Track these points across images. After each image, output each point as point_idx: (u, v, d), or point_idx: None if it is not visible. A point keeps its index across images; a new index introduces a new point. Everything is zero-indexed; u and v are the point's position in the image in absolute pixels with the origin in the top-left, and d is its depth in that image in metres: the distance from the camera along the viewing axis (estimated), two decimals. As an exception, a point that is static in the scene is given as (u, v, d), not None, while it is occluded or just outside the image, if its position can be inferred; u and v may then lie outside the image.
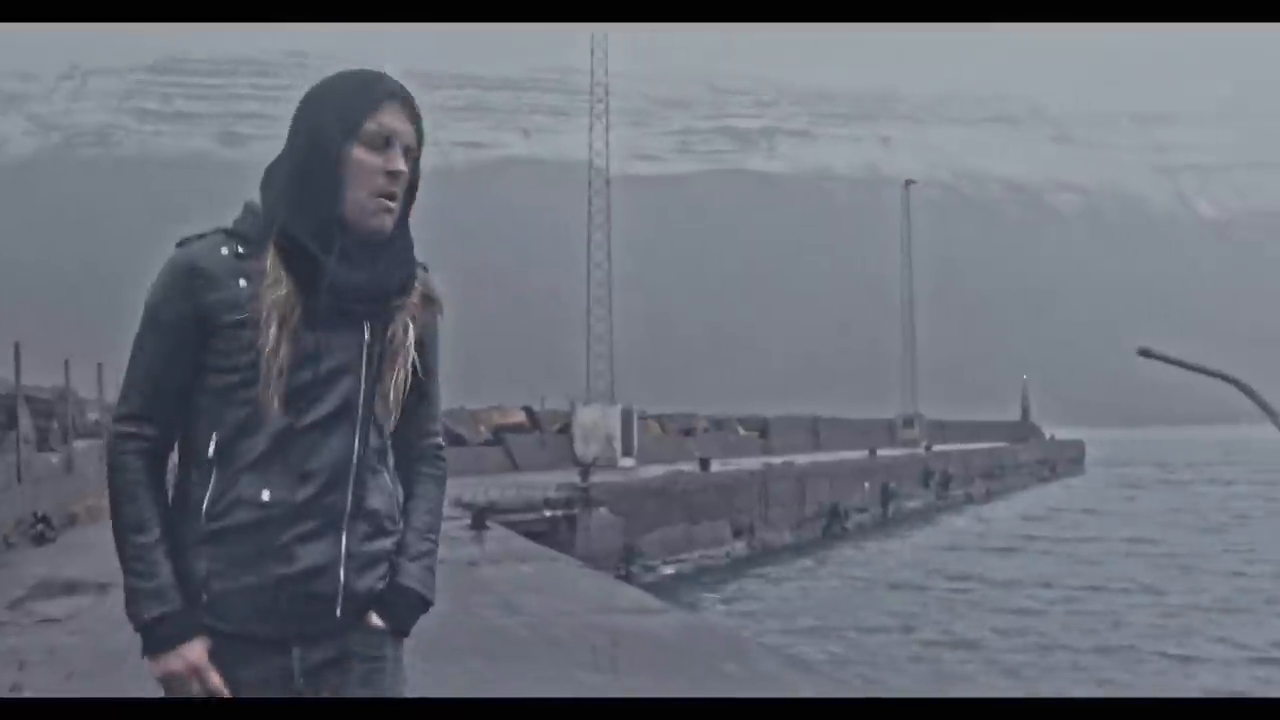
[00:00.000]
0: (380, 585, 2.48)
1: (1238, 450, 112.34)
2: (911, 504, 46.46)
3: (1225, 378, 5.82)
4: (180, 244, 2.50)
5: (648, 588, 21.82)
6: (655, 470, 34.32)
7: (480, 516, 17.20)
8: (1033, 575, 27.47)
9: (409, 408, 2.58)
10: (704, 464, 34.69)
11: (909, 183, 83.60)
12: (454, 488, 13.46)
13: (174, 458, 2.52)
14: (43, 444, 15.86)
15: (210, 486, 2.41)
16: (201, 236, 2.50)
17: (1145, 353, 6.75)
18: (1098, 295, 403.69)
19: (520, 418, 41.50)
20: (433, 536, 2.63)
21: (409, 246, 2.56)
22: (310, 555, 2.40)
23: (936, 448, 62.14)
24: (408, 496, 2.62)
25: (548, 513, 24.18)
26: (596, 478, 28.21)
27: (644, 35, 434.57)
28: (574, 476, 27.65)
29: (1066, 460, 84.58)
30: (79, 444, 19.76)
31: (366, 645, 2.47)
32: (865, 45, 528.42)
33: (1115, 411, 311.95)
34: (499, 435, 38.88)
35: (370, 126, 2.45)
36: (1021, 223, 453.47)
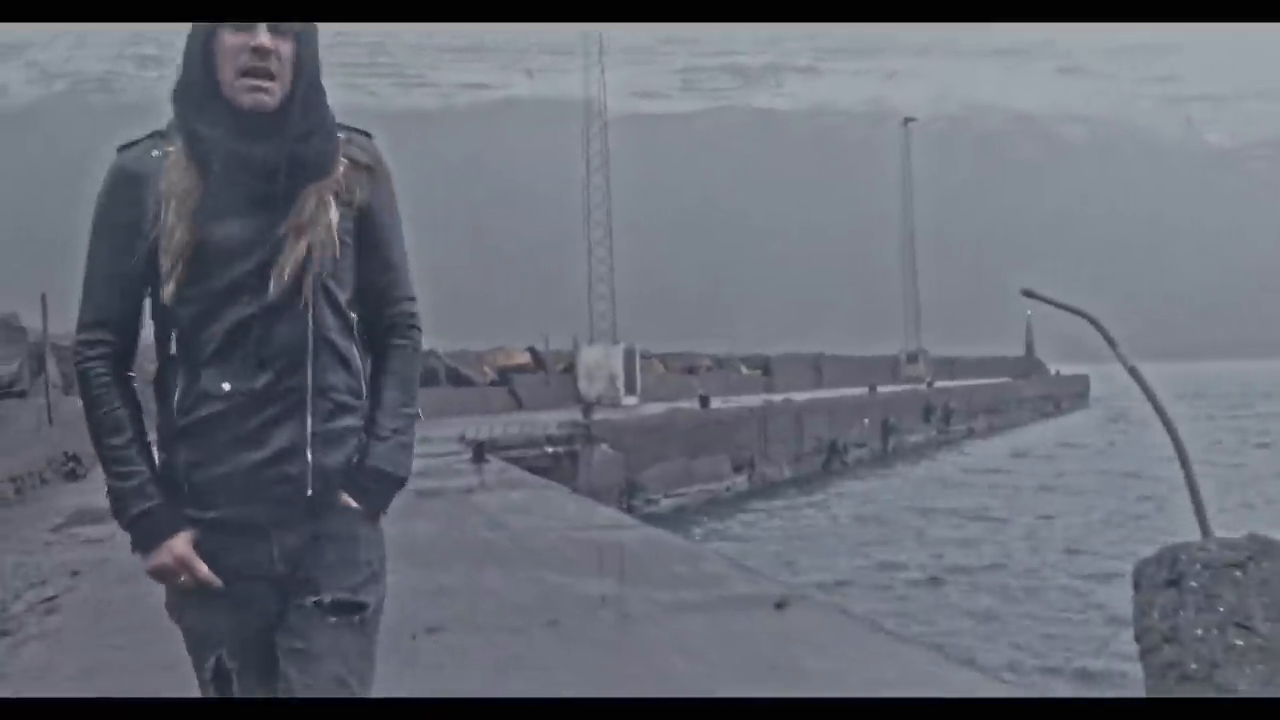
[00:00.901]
0: (349, 461, 2.53)
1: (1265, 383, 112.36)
2: (912, 439, 46.96)
3: (1080, 313, 6.52)
4: (119, 150, 2.58)
5: (647, 520, 22.66)
6: (656, 408, 34.86)
7: (480, 450, 17.88)
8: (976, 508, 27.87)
9: (368, 278, 2.62)
10: (704, 401, 35.21)
11: (908, 120, 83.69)
12: (459, 426, 14.42)
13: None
14: (69, 388, 16.57)
15: (179, 383, 2.49)
16: (136, 142, 2.58)
17: (1027, 293, 7.44)
18: (1106, 228, 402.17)
19: (525, 358, 42.06)
20: (406, 410, 2.64)
21: (317, 120, 2.54)
22: (278, 438, 2.45)
23: (940, 384, 62.56)
24: (376, 372, 2.65)
25: (550, 449, 24.26)
26: (598, 415, 28.74)
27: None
28: (578, 415, 28.01)
29: (1071, 395, 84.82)
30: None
31: (339, 525, 2.53)
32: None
33: (1125, 345, 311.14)
34: (504, 376, 39.46)
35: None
36: (1029, 156, 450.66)
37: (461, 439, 20.86)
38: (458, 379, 36.79)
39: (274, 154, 2.46)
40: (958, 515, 26.28)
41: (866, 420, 43.58)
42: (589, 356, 41.53)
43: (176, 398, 2.48)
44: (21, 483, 13.42)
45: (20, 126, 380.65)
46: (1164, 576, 4.80)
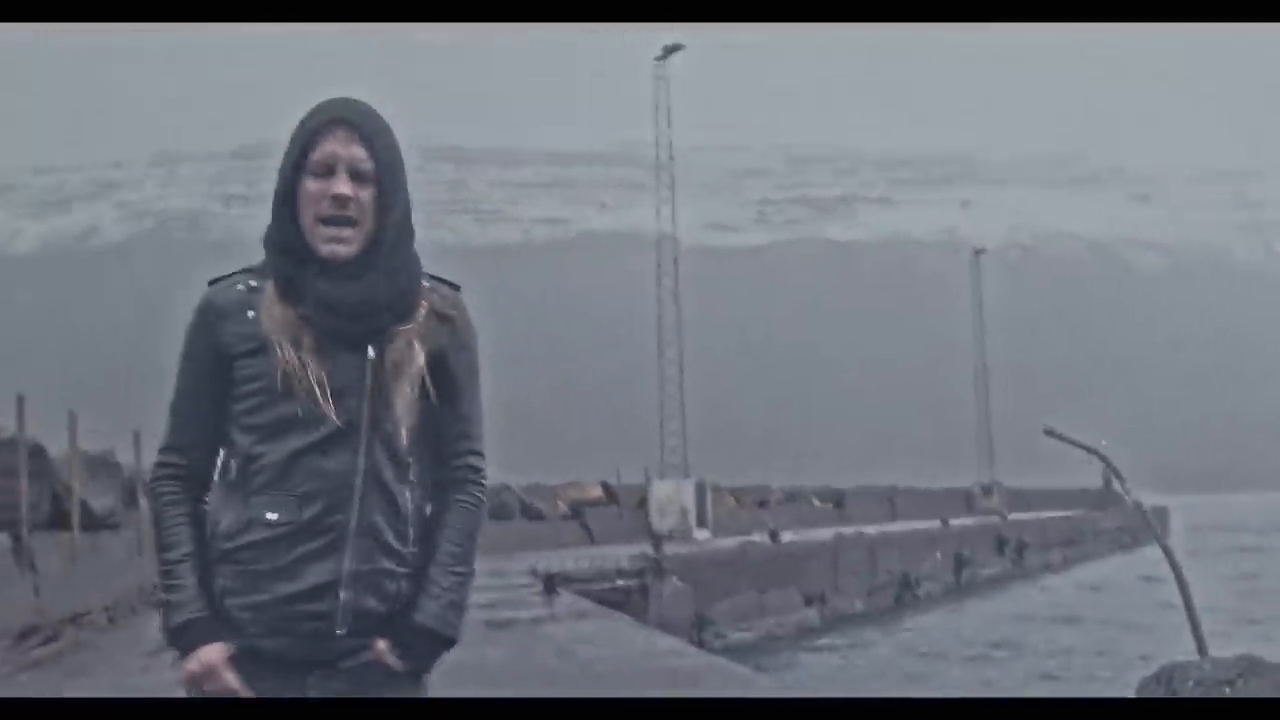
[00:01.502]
0: (384, 607, 2.53)
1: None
2: (986, 572, 46.75)
3: (1094, 451, 7.04)
4: (210, 284, 2.67)
5: (719, 654, 22.95)
6: (728, 542, 35.20)
7: (550, 582, 18.42)
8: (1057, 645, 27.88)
9: (434, 428, 2.64)
10: (774, 535, 35.62)
11: (978, 251, 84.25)
12: (531, 559, 15.00)
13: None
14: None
15: (232, 509, 2.53)
16: (227, 277, 2.67)
17: (1049, 432, 7.95)
18: (1183, 355, 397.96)
19: (597, 493, 42.47)
20: (460, 570, 2.60)
21: (403, 267, 2.61)
22: (313, 573, 2.47)
23: (1014, 516, 62.19)
24: (436, 525, 2.62)
25: (620, 582, 24.72)
26: (669, 549, 29.17)
27: (718, 108, 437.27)
28: (649, 549, 28.36)
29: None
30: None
31: (379, 685, 2.52)
32: (942, 111, 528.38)
33: (1204, 477, 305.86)
34: (577, 510, 39.86)
35: (315, 156, 2.54)
36: (1104, 284, 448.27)
37: (533, 572, 21.34)
38: (531, 513, 37.29)
39: (363, 296, 2.53)
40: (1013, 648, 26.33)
41: (939, 553, 43.57)
42: (661, 491, 41.92)
43: (225, 523, 2.54)
44: (114, 611, 14.12)
45: (111, 264, 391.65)
46: (1160, 692, 5.26)
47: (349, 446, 2.51)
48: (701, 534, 39.87)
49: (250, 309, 2.57)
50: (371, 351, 2.54)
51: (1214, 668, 5.29)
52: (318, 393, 2.49)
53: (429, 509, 2.65)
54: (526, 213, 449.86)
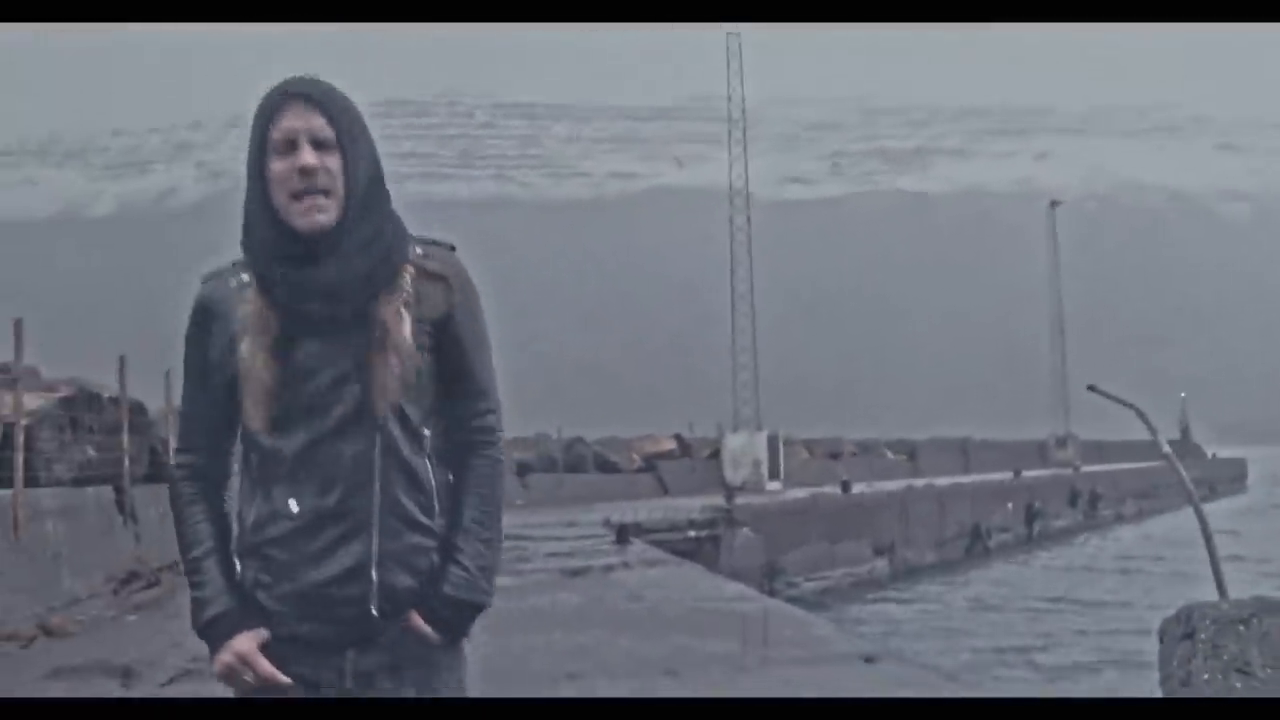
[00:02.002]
0: (417, 582, 2.54)
1: None
2: (1058, 524, 46.77)
3: (1130, 405, 7.43)
4: (202, 280, 2.65)
5: (791, 602, 23.49)
6: (799, 493, 35.62)
7: (623, 532, 18.97)
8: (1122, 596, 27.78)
9: (447, 391, 2.62)
10: (845, 486, 35.89)
11: (1054, 203, 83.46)
12: (606, 511, 15.64)
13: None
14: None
15: (252, 502, 2.55)
16: (218, 272, 2.64)
17: (1091, 388, 8.33)
18: (1266, 305, 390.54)
19: (671, 445, 43.09)
20: (485, 533, 2.59)
21: (377, 234, 2.57)
22: (343, 558, 2.47)
23: (1089, 468, 61.94)
24: (457, 490, 2.62)
25: (692, 533, 24.99)
26: (740, 500, 29.60)
27: (792, 61, 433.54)
28: (721, 500, 28.76)
29: (1227, 479, 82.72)
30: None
31: (419, 658, 2.54)
32: (1019, 60, 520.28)
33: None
34: (650, 462, 40.46)
35: (274, 135, 2.51)
36: (1184, 234, 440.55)
37: (607, 523, 21.86)
38: (605, 465, 37.97)
39: (334, 274, 2.50)
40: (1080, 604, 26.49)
41: (1010, 505, 43.66)
42: (733, 443, 42.40)
43: (251, 518, 2.55)
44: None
45: (190, 223, 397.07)
46: (1181, 631, 5.69)
47: (362, 429, 2.49)
48: (774, 485, 40.30)
49: (242, 307, 2.55)
50: (364, 328, 2.52)
51: (1231, 607, 5.68)
52: (256, 395, 2.49)
53: (450, 476, 2.63)
54: (599, 168, 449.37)
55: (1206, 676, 5.43)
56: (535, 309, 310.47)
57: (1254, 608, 5.65)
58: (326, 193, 2.51)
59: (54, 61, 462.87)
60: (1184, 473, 6.46)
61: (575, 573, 13.35)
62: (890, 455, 56.93)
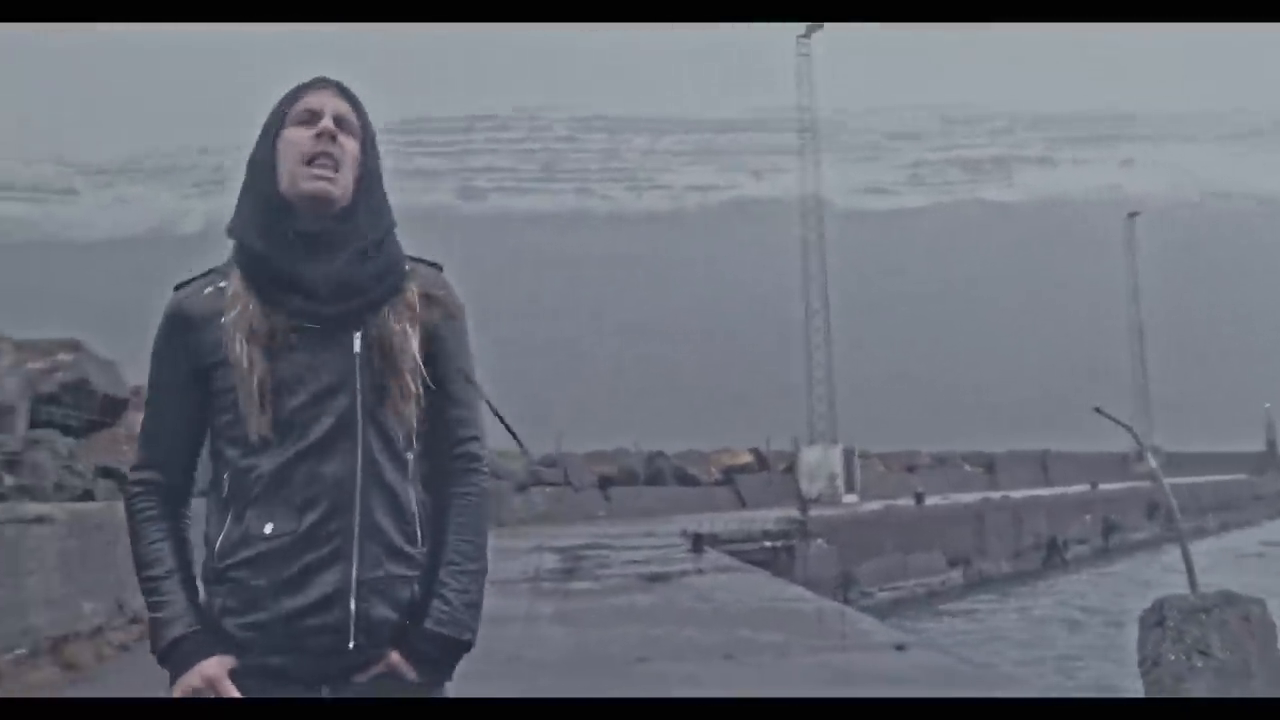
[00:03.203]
0: (397, 614, 2.37)
1: None
2: (1136, 536, 46.98)
3: (1125, 427, 8.48)
4: (176, 288, 2.48)
5: (865, 612, 24.30)
6: (874, 505, 36.38)
7: (698, 541, 20.05)
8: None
9: (430, 419, 2.48)
10: (919, 498, 36.62)
11: (1132, 215, 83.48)
12: (683, 522, 16.83)
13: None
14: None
15: (224, 525, 2.36)
16: (190, 280, 2.48)
17: (1098, 410, 9.37)
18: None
19: (748, 458, 43.90)
20: (470, 567, 2.45)
21: (386, 238, 2.46)
22: (320, 585, 2.30)
23: (1170, 481, 61.74)
24: (440, 522, 2.48)
25: (767, 543, 25.78)
26: (814, 512, 30.44)
27: (870, 69, 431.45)
28: (795, 511, 29.59)
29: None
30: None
31: (397, 692, 2.36)
32: (1099, 65, 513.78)
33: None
34: (728, 475, 41.40)
35: (296, 109, 2.43)
36: (1274, 239, 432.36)
37: (683, 533, 22.89)
38: (684, 478, 38.96)
39: (338, 275, 2.38)
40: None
41: (1088, 517, 44.09)
42: (809, 456, 43.27)
43: (219, 540, 2.36)
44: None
45: None
46: (1154, 619, 6.73)
47: (344, 447, 2.35)
48: (849, 498, 41.09)
49: (222, 314, 2.38)
50: (358, 342, 2.38)
51: (1196, 599, 6.70)
52: (255, 398, 2.33)
53: (430, 504, 2.51)
54: (678, 180, 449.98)
55: (1173, 657, 6.46)
56: (616, 322, 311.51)
57: (1216, 600, 6.67)
58: (339, 168, 2.41)
59: (143, 83, 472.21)
60: (1167, 487, 7.50)
61: (651, 578, 14.46)
62: (967, 468, 57.25)
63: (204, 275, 2.48)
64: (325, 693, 2.34)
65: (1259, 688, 6.35)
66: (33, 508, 9.16)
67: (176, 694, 2.33)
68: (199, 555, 2.47)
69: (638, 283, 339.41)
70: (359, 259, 2.41)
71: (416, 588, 2.42)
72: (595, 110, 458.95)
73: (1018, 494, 43.31)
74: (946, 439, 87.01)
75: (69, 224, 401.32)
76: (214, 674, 2.31)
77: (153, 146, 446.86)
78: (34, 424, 10.76)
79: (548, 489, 33.98)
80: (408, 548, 2.41)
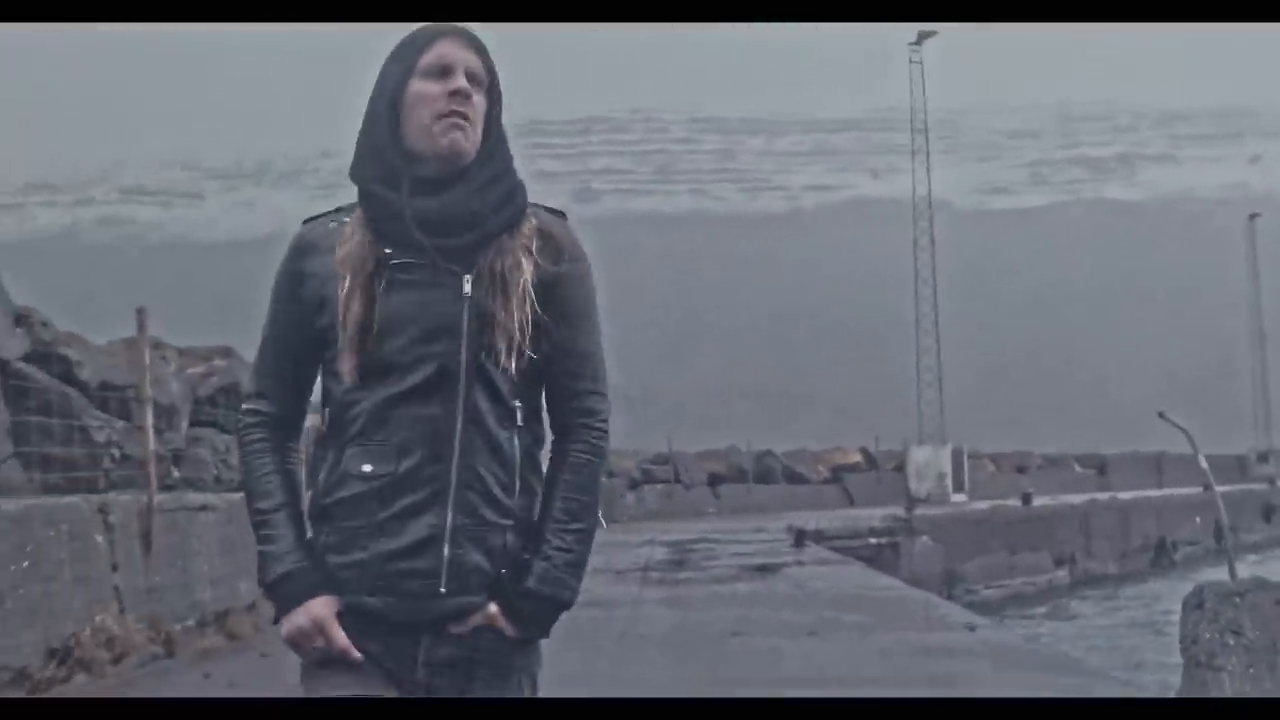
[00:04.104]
0: (489, 561, 2.35)
1: None
2: (1250, 538, 46.52)
3: (1183, 429, 9.29)
4: (303, 222, 2.51)
5: (969, 609, 24.85)
6: (981, 505, 36.59)
7: (800, 536, 20.86)
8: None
9: (546, 367, 2.42)
10: (1026, 499, 36.60)
11: (1253, 216, 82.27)
12: (791, 519, 17.71)
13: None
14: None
15: (324, 461, 2.38)
16: (319, 216, 2.50)
17: (1161, 415, 10.11)
18: None
19: (857, 458, 44.43)
20: (575, 525, 2.41)
21: (503, 178, 2.43)
22: (414, 529, 2.29)
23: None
24: (550, 477, 2.45)
25: (872, 540, 25.94)
26: (920, 510, 30.97)
27: (991, 67, 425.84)
28: (900, 510, 29.98)
29: None
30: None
31: (495, 653, 2.36)
32: (1222, 61, 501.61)
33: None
34: (837, 474, 42.06)
35: (426, 59, 2.39)
36: None
37: (789, 529, 23.70)
38: (793, 477, 39.67)
39: (463, 200, 2.36)
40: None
41: (1199, 519, 43.76)
42: (918, 456, 43.46)
43: (322, 477, 2.39)
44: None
45: None
46: (1194, 602, 7.50)
47: (446, 393, 2.32)
48: (958, 498, 41.07)
49: (342, 245, 2.39)
50: (468, 285, 2.35)
51: (1233, 585, 7.46)
52: (352, 338, 2.32)
53: (544, 457, 2.50)
54: (794, 181, 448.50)
55: (1208, 636, 7.22)
56: (730, 323, 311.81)
57: (1250, 585, 7.44)
58: (471, 123, 2.40)
59: (265, 88, 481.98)
60: (1213, 483, 8.22)
61: (754, 568, 15.39)
62: (1079, 469, 56.88)
63: (331, 212, 2.51)
64: (424, 644, 2.35)
65: (1285, 664, 7.11)
66: (196, 497, 10.36)
67: (284, 632, 2.38)
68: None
69: (753, 284, 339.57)
70: (488, 184, 2.41)
71: (510, 537, 2.39)
72: (711, 111, 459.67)
73: (1126, 495, 43.18)
74: (1061, 440, 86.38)
75: (194, 226, 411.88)
76: (321, 614, 2.34)
77: (278, 151, 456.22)
78: (194, 423, 12.04)
79: (659, 486, 34.89)
80: (504, 496, 2.37)
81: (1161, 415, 9.74)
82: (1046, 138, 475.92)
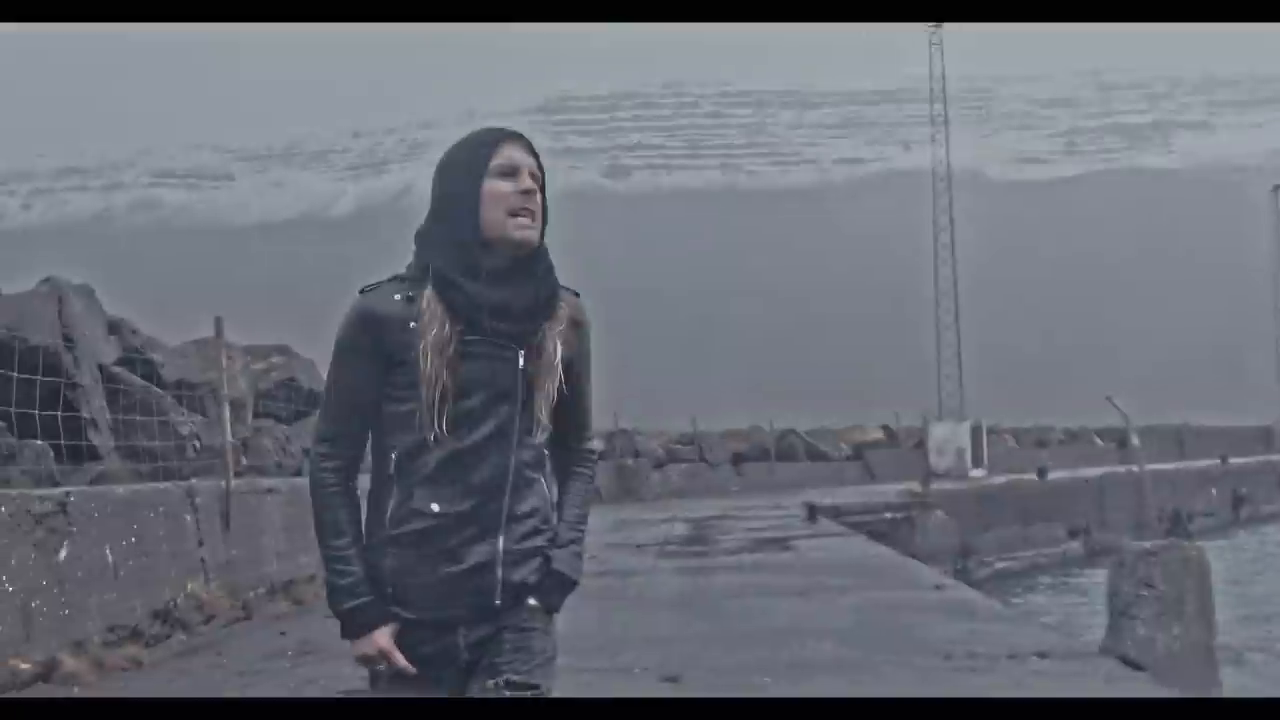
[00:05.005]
0: (533, 577, 2.88)
1: None
2: (1268, 508, 47.19)
3: (1121, 412, 10.71)
4: (362, 292, 2.90)
5: (980, 581, 26.03)
6: (995, 479, 37.29)
7: (813, 511, 22.01)
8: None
9: (562, 420, 2.95)
10: (1041, 472, 37.22)
11: (1277, 188, 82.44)
12: (811, 496, 18.91)
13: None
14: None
15: (393, 498, 2.82)
16: (377, 286, 2.89)
17: (1108, 399, 11.50)
18: None
19: (878, 434, 45.28)
20: (581, 526, 3.02)
21: (549, 269, 2.90)
22: (473, 555, 2.79)
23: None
24: (562, 493, 3.02)
25: (888, 514, 26.70)
26: (936, 485, 31.54)
27: (1025, 35, 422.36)
28: (916, 485, 30.58)
29: None
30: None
31: (518, 620, 2.88)
32: (1260, 27, 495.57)
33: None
34: (859, 451, 42.94)
35: (497, 161, 2.85)
36: None
37: (805, 504, 24.72)
38: (815, 454, 40.46)
39: (530, 294, 2.83)
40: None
41: (1214, 490, 44.46)
42: (938, 432, 44.21)
43: (390, 510, 2.82)
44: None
45: (418, 221, 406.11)
46: (1117, 561, 8.84)
47: (502, 446, 2.81)
48: (977, 472, 41.58)
49: (411, 320, 2.80)
50: (522, 358, 2.83)
51: (1151, 546, 8.82)
52: (434, 403, 2.76)
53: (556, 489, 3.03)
54: (825, 154, 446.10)
55: (1126, 588, 8.56)
56: (757, 299, 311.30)
57: (1161, 546, 8.78)
58: (535, 219, 2.87)
59: (297, 68, 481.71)
60: (1140, 458, 9.56)
61: (765, 541, 16.73)
62: (1099, 442, 57.17)
63: (389, 281, 2.92)
64: (462, 632, 2.86)
65: (1190, 614, 8.44)
66: (265, 482, 11.82)
67: (355, 654, 2.88)
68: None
69: (783, 259, 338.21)
70: (544, 278, 2.89)
71: (547, 554, 2.93)
72: (741, 85, 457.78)
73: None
74: (1083, 414, 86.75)
75: (224, 208, 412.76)
76: (385, 645, 2.82)
77: (309, 131, 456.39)
78: (256, 415, 13.55)
79: (683, 465, 35.68)
80: (542, 525, 2.92)
81: (1109, 399, 11.07)
82: (1081, 106, 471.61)
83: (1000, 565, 30.78)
